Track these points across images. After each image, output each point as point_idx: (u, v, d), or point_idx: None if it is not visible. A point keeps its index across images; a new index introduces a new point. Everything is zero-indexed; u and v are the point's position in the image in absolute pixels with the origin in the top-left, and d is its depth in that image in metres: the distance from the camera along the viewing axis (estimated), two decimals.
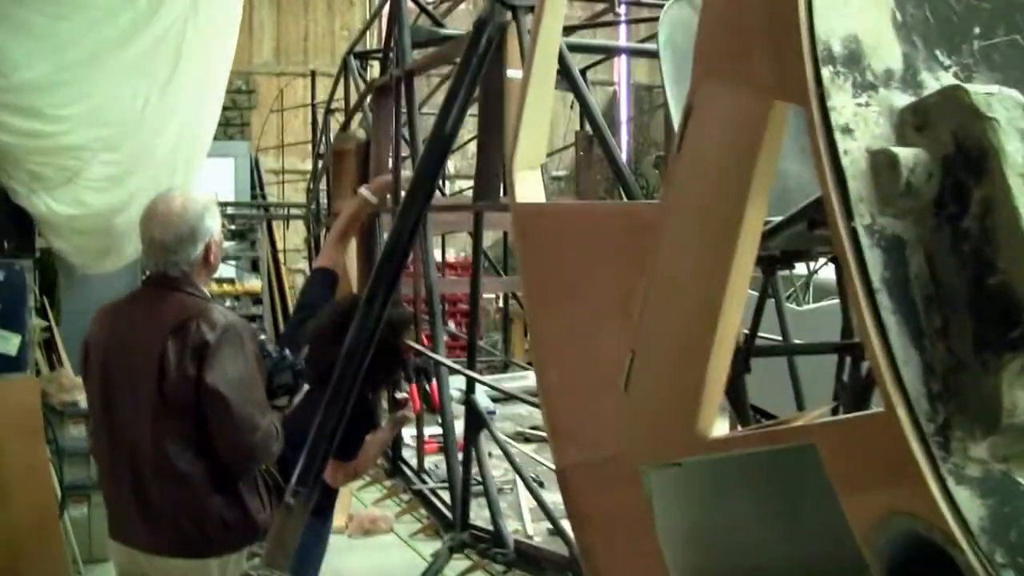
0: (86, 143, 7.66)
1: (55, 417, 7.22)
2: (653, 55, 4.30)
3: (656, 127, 19.70)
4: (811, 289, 9.13)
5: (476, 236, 4.08)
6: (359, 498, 8.91)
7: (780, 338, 4.13)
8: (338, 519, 8.34)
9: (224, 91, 9.20)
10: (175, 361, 3.55)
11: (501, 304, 13.46)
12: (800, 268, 8.85)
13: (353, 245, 5.76)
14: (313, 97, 13.61)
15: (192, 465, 3.60)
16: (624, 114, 20.78)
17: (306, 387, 4.10)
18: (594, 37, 12.03)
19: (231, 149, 14.68)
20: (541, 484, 4.36)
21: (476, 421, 3.95)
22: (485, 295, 15.49)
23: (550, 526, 3.73)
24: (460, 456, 4.16)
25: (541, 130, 2.96)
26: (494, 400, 6.40)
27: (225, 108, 10.36)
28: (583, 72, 6.54)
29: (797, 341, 4.26)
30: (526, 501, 4.36)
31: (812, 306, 8.26)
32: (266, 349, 3.96)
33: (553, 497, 3.42)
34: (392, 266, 2.85)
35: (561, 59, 3.52)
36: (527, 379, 7.20)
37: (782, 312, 4.06)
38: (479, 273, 4.12)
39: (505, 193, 3.69)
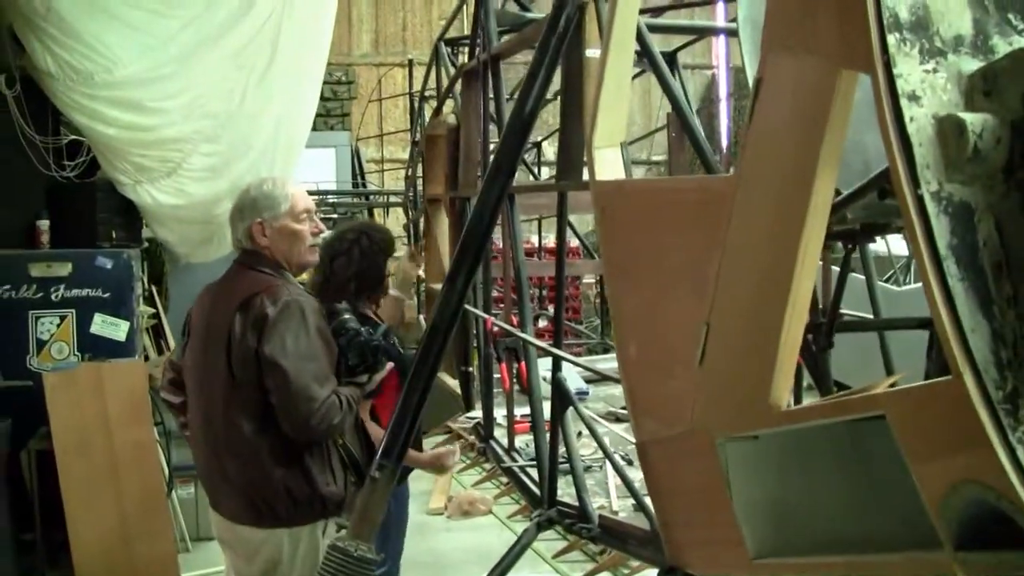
0: (187, 135, 7.87)
1: (162, 401, 7.39)
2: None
3: None
4: (912, 270, 8.97)
5: (560, 216, 4.10)
6: (459, 480, 9.03)
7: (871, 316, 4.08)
8: (437, 501, 8.48)
9: (321, 82, 9.36)
10: (239, 335, 3.66)
11: (599, 288, 13.50)
12: (903, 249, 8.70)
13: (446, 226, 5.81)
14: (411, 86, 13.76)
15: (258, 436, 3.69)
16: (724, 93, 20.51)
17: (389, 365, 4.16)
18: (691, 19, 11.92)
19: (332, 139, 14.87)
20: (629, 462, 4.38)
21: (562, 400, 3.97)
22: (585, 279, 15.53)
23: (635, 502, 3.74)
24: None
25: (620, 108, 2.97)
26: (587, 381, 6.43)
27: (326, 99, 10.55)
28: (674, 54, 6.51)
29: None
30: (613, 479, 4.38)
31: (912, 287, 8.12)
32: (345, 327, 4.02)
33: (639, 475, 3.43)
34: (474, 245, 2.89)
35: (641, 39, 3.53)
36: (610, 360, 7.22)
37: (872, 288, 4.01)
38: (563, 253, 4.13)
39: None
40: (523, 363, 4.57)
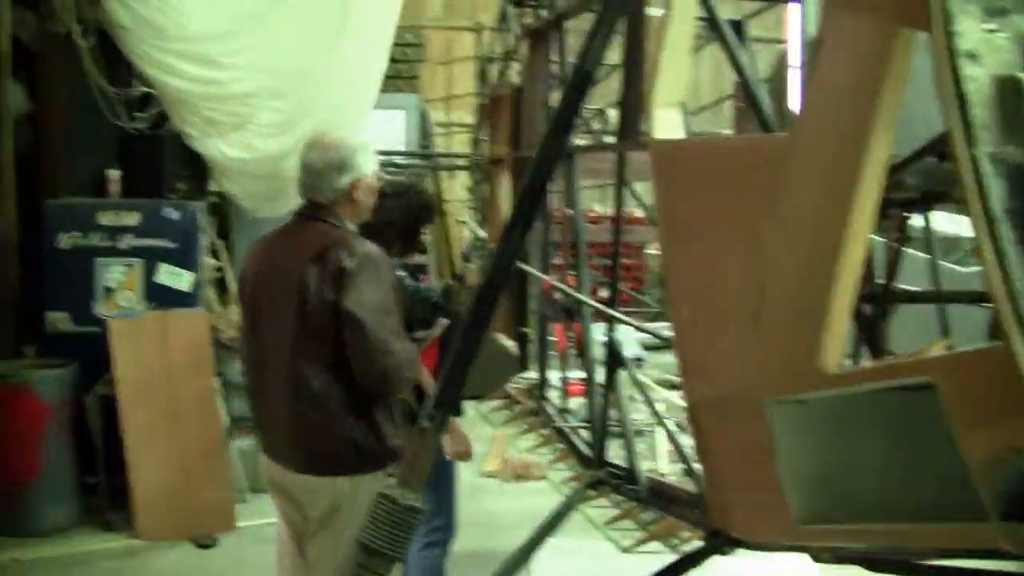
0: (255, 90, 7.91)
1: (224, 352, 7.51)
2: None
3: None
4: None
5: (619, 175, 4.08)
6: (514, 445, 9.05)
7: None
8: (492, 464, 8.52)
9: (391, 43, 9.36)
10: (315, 287, 3.68)
11: None
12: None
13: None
14: (479, 50, 13.67)
15: (328, 387, 3.73)
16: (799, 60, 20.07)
17: (443, 320, 4.19)
18: None
19: (401, 101, 14.85)
20: (682, 429, 4.38)
21: (615, 362, 3.97)
22: (647, 249, 15.43)
23: (684, 467, 3.74)
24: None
25: (680, 68, 2.95)
26: (645, 348, 6.42)
27: (395, 61, 10.50)
28: (740, 23, 6.41)
29: None
30: (664, 443, 4.38)
31: (978, 267, 7.93)
32: (404, 283, 4.06)
33: (691, 442, 3.43)
34: (530, 200, 2.88)
35: (705, 4, 3.49)
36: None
37: (935, 261, 3.94)
38: (621, 214, 4.11)
39: None
40: (578, 324, 4.58)
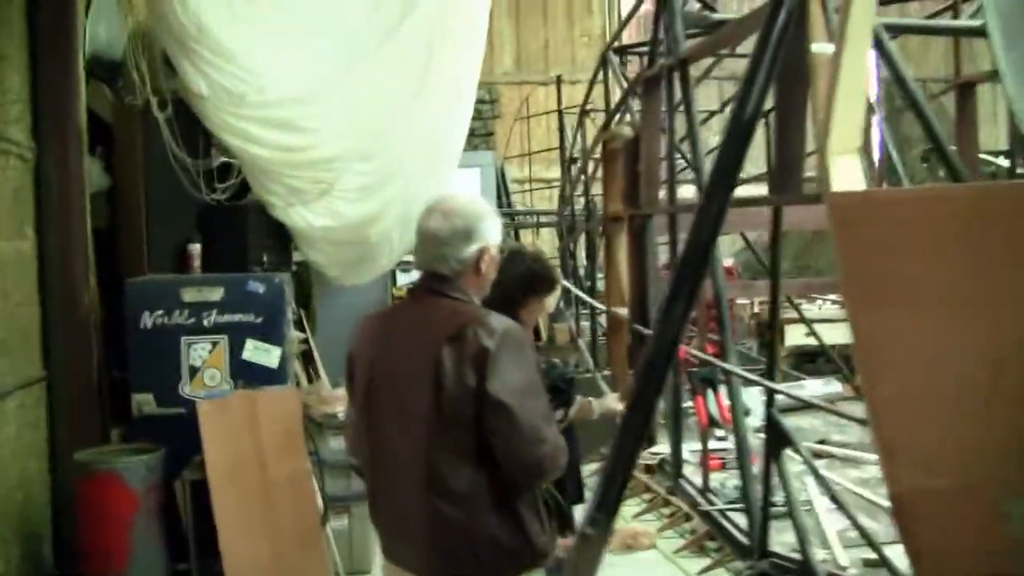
0: (339, 155, 7.69)
1: (315, 429, 7.23)
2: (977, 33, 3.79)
3: (910, 121, 18.64)
4: None
5: (774, 234, 3.64)
6: (620, 513, 8.62)
7: None
8: None
9: (474, 98, 9.16)
10: (452, 371, 3.30)
11: (755, 309, 12.99)
12: None
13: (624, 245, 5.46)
14: (559, 102, 13.45)
15: (468, 482, 3.35)
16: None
17: (579, 398, 3.82)
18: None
19: (477, 159, 14.67)
20: (838, 505, 3.92)
21: (778, 438, 3.54)
22: (738, 300, 14.99)
23: (866, 555, 3.30)
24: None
25: (856, 110, 2.57)
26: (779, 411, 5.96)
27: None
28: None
29: None
30: (830, 525, 3.93)
31: None
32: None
33: (868, 523, 3.01)
34: (693, 267, 2.50)
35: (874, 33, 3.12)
36: (804, 388, 6.73)
37: None
38: (778, 275, 3.68)
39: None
40: (720, 395, 4.19)
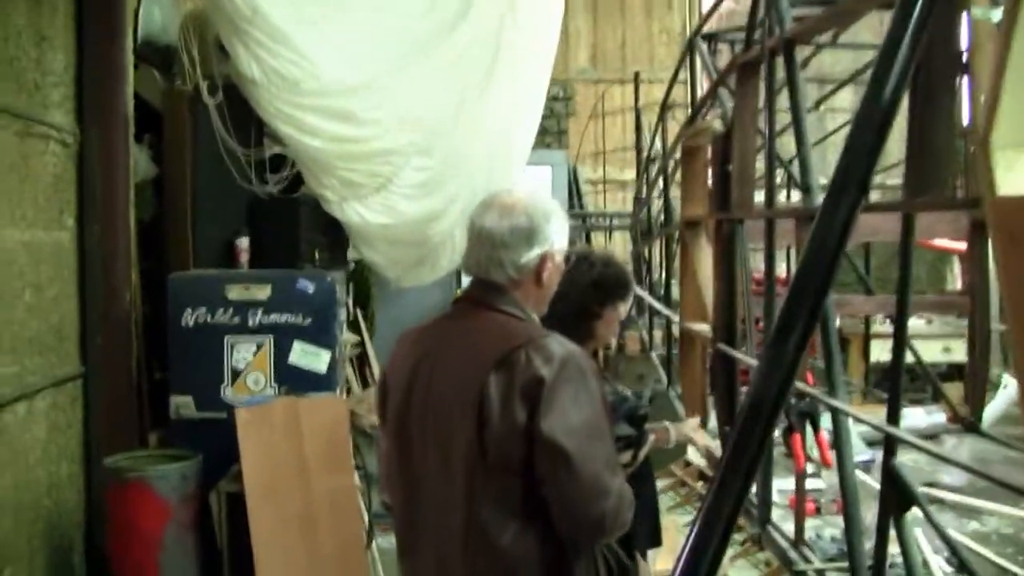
0: (399, 147, 7.29)
1: (364, 440, 6.80)
2: None
3: None
4: None
5: (905, 243, 3.05)
6: (683, 532, 8.02)
7: None
8: (666, 560, 7.52)
9: (545, 97, 8.77)
10: (499, 403, 2.75)
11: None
12: None
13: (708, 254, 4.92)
14: (637, 100, 12.96)
15: (516, 539, 2.80)
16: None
17: (651, 438, 3.28)
18: None
19: (548, 157, 14.28)
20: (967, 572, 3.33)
21: (902, 496, 2.94)
22: None
23: None
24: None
25: None
26: (868, 444, 5.36)
27: (543, 116, 10.01)
28: None
29: None
30: None
31: None
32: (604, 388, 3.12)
33: None
34: (814, 285, 1.96)
35: None
36: (905, 418, 6.08)
37: None
38: (908, 289, 3.06)
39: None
40: (822, 434, 3.63)
